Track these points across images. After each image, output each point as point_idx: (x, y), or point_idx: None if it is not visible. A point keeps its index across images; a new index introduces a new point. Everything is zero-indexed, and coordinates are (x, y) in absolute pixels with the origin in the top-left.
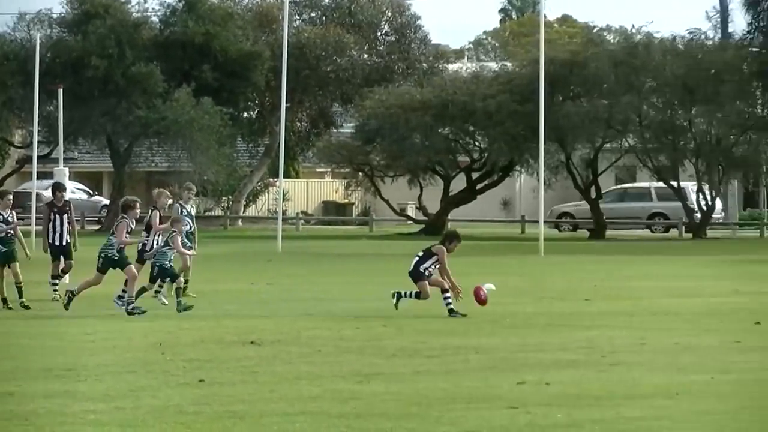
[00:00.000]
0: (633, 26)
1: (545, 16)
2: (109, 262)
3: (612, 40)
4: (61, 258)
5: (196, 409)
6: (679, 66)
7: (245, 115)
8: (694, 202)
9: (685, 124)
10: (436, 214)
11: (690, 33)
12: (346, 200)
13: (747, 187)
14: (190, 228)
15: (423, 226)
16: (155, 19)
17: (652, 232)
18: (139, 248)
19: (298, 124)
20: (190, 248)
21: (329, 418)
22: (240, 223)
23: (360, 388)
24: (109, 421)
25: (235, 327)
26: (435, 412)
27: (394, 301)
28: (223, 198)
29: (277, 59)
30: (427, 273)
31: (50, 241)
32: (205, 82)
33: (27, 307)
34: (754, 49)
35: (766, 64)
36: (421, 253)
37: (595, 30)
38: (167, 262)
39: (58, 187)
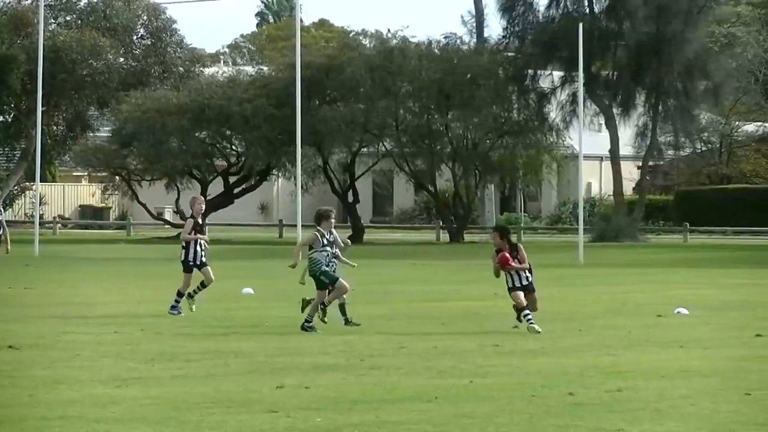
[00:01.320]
0: (389, 31)
1: (302, 20)
2: (327, 276)
3: (368, 45)
4: None
5: None
6: (435, 70)
7: (1, 119)
8: None
9: (441, 128)
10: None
11: (446, 38)
12: (104, 204)
13: (503, 191)
14: None
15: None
16: None
17: None
18: (183, 258)
19: (55, 127)
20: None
21: (88, 423)
22: None
23: (119, 393)
24: None
25: None
26: (195, 417)
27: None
28: None
29: (33, 63)
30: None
31: None
32: None
33: None
34: (509, 54)
35: (521, 68)
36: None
37: (351, 34)
38: (324, 267)
39: None
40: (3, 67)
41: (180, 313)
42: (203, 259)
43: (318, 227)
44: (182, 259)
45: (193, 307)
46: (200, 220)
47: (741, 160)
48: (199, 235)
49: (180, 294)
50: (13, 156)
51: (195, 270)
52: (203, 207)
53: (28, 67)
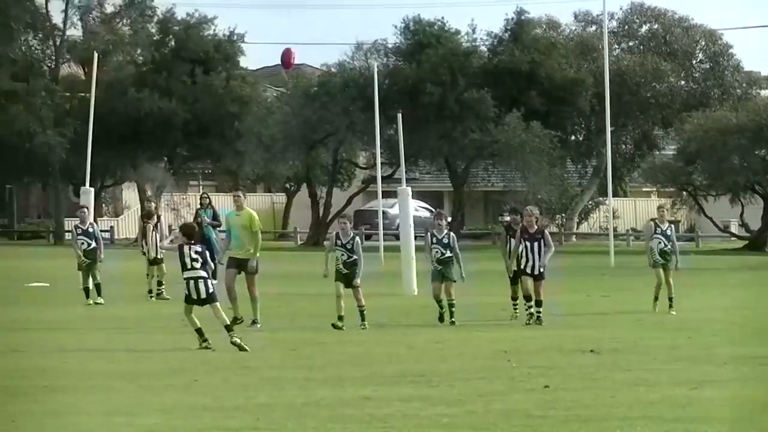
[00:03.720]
0: None
1: None
2: None
3: None
4: None
5: (542, 413)
6: None
7: (572, 138)
8: None
9: None
10: (758, 230)
11: None
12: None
13: None
14: None
15: (746, 242)
16: (483, 48)
17: None
18: None
19: (623, 146)
20: None
21: (667, 423)
22: (574, 239)
23: (695, 394)
24: (462, 425)
25: (574, 336)
26: None
27: None
28: (557, 215)
29: (600, 85)
30: None
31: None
32: (533, 107)
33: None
34: None
35: None
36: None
37: None
38: None
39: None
40: (572, 89)
41: None
42: None
43: None
44: None
45: None
46: None
47: None
48: None
49: None
50: (585, 173)
51: None
52: None
53: (595, 90)
